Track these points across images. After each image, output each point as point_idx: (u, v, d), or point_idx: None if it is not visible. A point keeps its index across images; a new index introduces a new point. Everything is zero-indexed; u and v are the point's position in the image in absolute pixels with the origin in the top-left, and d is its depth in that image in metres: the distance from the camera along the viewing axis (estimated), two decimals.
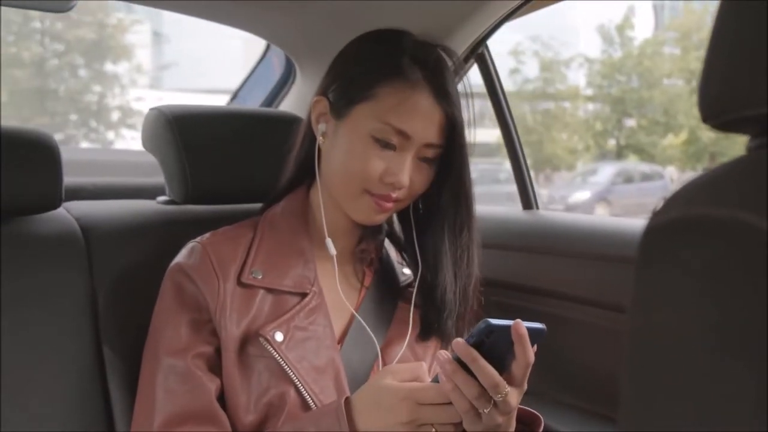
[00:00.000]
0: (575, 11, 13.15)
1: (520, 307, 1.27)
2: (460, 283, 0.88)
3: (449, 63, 0.84)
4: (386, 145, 0.81)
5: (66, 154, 0.95)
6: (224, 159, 1.03)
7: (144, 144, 1.06)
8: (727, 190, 0.34)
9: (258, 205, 0.96)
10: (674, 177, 10.07)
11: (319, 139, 0.86)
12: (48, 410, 0.88)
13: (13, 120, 9.69)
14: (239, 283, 0.82)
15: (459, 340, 0.69)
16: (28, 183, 0.91)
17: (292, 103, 1.51)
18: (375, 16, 0.88)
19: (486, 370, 0.67)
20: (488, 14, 1.22)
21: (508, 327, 0.68)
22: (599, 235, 1.18)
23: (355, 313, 0.87)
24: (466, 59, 1.34)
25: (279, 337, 0.80)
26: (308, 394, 0.79)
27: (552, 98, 11.47)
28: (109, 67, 10.84)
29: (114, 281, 0.95)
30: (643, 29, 12.22)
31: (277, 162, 0.93)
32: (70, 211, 1.01)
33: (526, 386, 0.72)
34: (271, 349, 0.79)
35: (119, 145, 10.67)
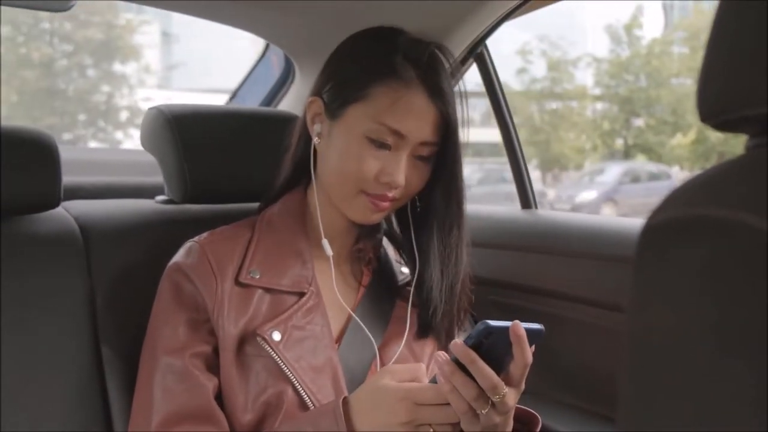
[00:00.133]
0: (584, 11, 13.12)
1: (518, 306, 1.27)
2: (447, 281, 0.87)
3: (444, 61, 0.84)
4: (381, 145, 0.80)
5: (65, 154, 0.95)
6: (223, 158, 1.03)
7: (143, 143, 1.06)
8: (726, 190, 0.34)
9: (256, 205, 0.96)
10: (680, 177, 10.03)
11: (315, 139, 0.86)
12: (46, 409, 0.88)
13: (23, 120, 9.74)
14: (237, 282, 0.82)
15: (457, 341, 0.69)
16: (27, 182, 0.91)
17: (291, 103, 1.51)
18: (374, 15, 0.88)
19: (484, 371, 0.67)
20: (487, 14, 1.22)
21: (506, 328, 0.68)
22: (598, 235, 1.18)
23: (351, 313, 0.87)
24: (466, 59, 1.34)
25: (277, 336, 0.80)
26: (306, 394, 0.79)
27: (559, 98, 11.44)
28: (117, 67, 10.89)
29: (112, 280, 0.95)
30: (652, 29, 12.17)
31: (275, 162, 0.93)
32: (68, 211, 1.01)
33: (523, 386, 0.72)
34: (269, 348, 0.79)
35: (128, 144, 10.71)
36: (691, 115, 10.15)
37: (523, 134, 12.08)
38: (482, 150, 10.61)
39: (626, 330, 0.36)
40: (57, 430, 0.88)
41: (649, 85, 10.93)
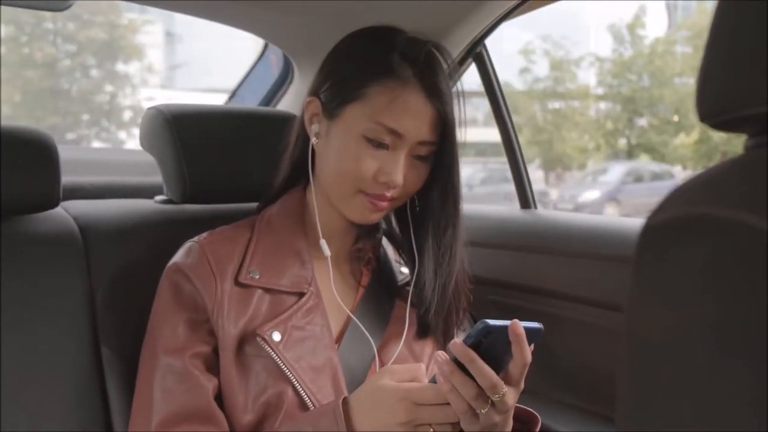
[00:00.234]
0: (586, 10, 13.11)
1: (517, 306, 1.27)
2: (440, 280, 0.87)
3: (441, 59, 0.84)
4: (379, 144, 0.80)
5: (64, 154, 0.95)
6: (222, 158, 1.03)
7: (142, 143, 1.06)
8: (725, 190, 0.34)
9: (255, 205, 0.96)
10: (683, 177, 10.00)
11: (313, 139, 0.86)
12: (46, 409, 0.88)
13: (26, 120, 9.77)
14: (237, 282, 0.82)
15: (456, 341, 0.69)
16: (27, 182, 0.91)
17: (289, 103, 1.51)
18: (373, 15, 0.88)
19: (484, 371, 0.67)
20: (486, 14, 1.22)
21: (505, 327, 0.68)
22: (597, 235, 1.18)
23: (350, 313, 0.87)
24: (465, 59, 1.34)
25: (276, 336, 0.80)
26: (306, 394, 0.79)
27: (562, 97, 11.42)
28: (120, 67, 10.90)
29: (112, 280, 0.95)
30: (656, 28, 12.16)
31: (274, 161, 0.93)
32: (68, 210, 1.01)
33: (523, 385, 0.72)
34: (269, 348, 0.79)
35: (131, 144, 10.73)
36: (695, 115, 10.12)
37: (525, 134, 12.02)
38: (485, 150, 10.61)
39: (625, 329, 0.36)
40: (57, 430, 0.88)
41: (652, 85, 10.91)
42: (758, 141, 0.37)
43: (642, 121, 11.30)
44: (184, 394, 0.79)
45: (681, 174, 10.16)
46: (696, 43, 10.35)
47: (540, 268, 1.24)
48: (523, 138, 11.91)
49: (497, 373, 0.68)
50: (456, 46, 1.29)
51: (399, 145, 0.81)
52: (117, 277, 0.96)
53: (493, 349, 0.68)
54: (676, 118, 10.68)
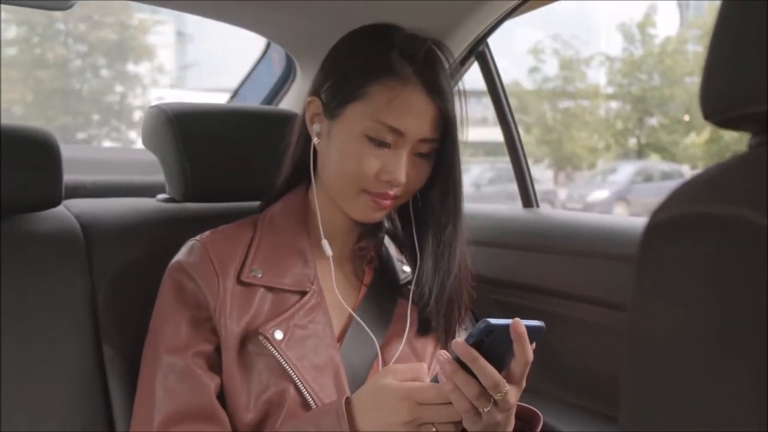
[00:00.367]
0: (597, 10, 13.06)
1: (520, 305, 1.27)
2: (439, 277, 0.87)
3: (441, 57, 0.83)
4: (381, 143, 0.80)
5: (65, 152, 0.95)
6: (224, 157, 1.03)
7: (144, 142, 1.06)
8: (728, 188, 0.34)
9: (258, 204, 0.96)
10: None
11: (315, 139, 0.86)
12: (47, 409, 0.88)
13: (38, 119, 9.84)
14: (239, 281, 0.82)
15: (458, 340, 0.69)
16: (29, 181, 0.91)
17: (292, 101, 1.51)
18: (375, 14, 0.87)
19: (486, 370, 0.68)
20: (488, 13, 1.22)
21: (506, 326, 0.68)
22: (599, 233, 1.18)
23: (352, 312, 0.87)
24: (467, 58, 1.34)
25: (279, 335, 0.80)
26: (308, 393, 0.79)
27: (572, 97, 11.37)
28: (130, 67, 10.96)
29: (114, 279, 0.95)
30: (668, 27, 12.08)
31: (277, 160, 0.93)
32: (70, 209, 1.01)
33: (525, 383, 0.72)
34: (271, 347, 0.79)
35: (141, 144, 10.75)
36: None
37: (535, 133, 11.95)
38: (494, 149, 10.57)
39: (628, 328, 0.36)
40: (58, 429, 0.88)
41: (663, 84, 10.84)
42: (761, 139, 0.37)
43: (652, 121, 11.23)
44: (186, 392, 0.79)
45: (691, 174, 10.07)
46: (707, 43, 10.24)
47: (542, 267, 1.24)
48: (532, 137, 11.85)
49: (499, 371, 0.69)
50: (458, 45, 1.29)
51: (401, 144, 0.81)
52: (119, 275, 0.96)
53: (495, 347, 0.68)
54: (686, 118, 10.60)
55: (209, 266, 0.82)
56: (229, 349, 0.81)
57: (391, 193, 0.82)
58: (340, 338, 0.86)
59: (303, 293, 0.84)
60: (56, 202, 0.95)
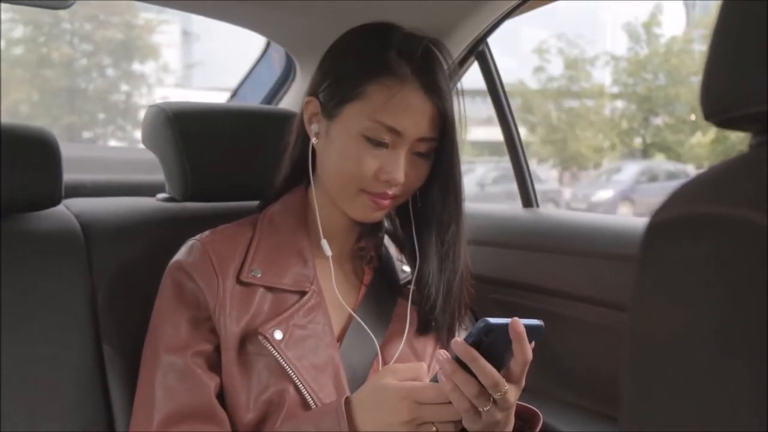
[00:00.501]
0: (603, 9, 13.02)
1: (519, 304, 1.27)
2: (445, 277, 0.87)
3: (439, 55, 0.83)
4: (378, 143, 0.80)
5: (65, 151, 0.95)
6: (224, 156, 1.03)
7: (144, 141, 1.06)
8: (728, 188, 0.34)
9: (257, 203, 0.96)
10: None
11: (313, 139, 0.86)
12: (47, 408, 0.88)
13: (44, 118, 9.88)
14: (239, 281, 0.82)
15: (458, 339, 0.69)
16: (29, 180, 0.91)
17: (292, 101, 1.50)
18: (374, 14, 0.87)
19: (486, 369, 0.68)
20: (488, 12, 1.22)
21: (506, 325, 0.68)
22: (599, 233, 1.18)
23: (352, 312, 0.87)
24: (467, 57, 1.34)
25: (278, 335, 0.80)
26: (307, 393, 0.79)
27: (576, 96, 11.35)
28: (136, 66, 10.99)
29: (113, 278, 0.95)
30: (674, 27, 12.04)
31: (276, 160, 0.93)
32: (69, 208, 1.01)
33: (524, 382, 0.72)
34: (271, 347, 0.79)
35: None
36: None
37: (540, 133, 11.89)
38: (499, 149, 10.56)
39: (628, 328, 0.36)
40: (57, 429, 0.88)
41: (668, 84, 10.80)
42: (762, 139, 0.37)
43: (658, 120, 11.20)
44: (185, 392, 0.79)
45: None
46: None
47: (542, 267, 1.24)
48: (537, 137, 11.78)
49: (498, 370, 0.69)
50: (458, 45, 1.29)
51: (399, 143, 0.81)
52: (119, 275, 0.96)
53: (494, 347, 0.69)
54: (692, 117, 10.57)
55: (209, 266, 0.82)
56: (228, 348, 0.80)
57: (390, 192, 0.82)
58: (340, 338, 0.86)
59: (302, 293, 0.84)
60: (56, 202, 0.95)
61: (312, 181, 0.88)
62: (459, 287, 0.89)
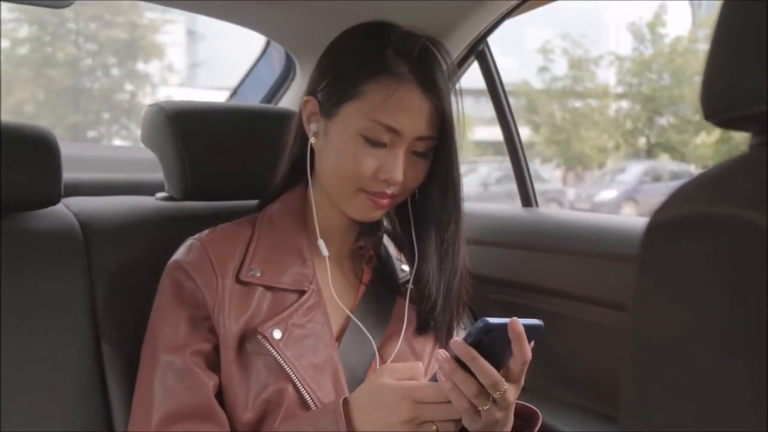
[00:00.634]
0: (607, 9, 13.00)
1: (519, 304, 1.27)
2: (444, 276, 0.87)
3: (437, 54, 0.83)
4: (377, 143, 0.80)
5: (65, 150, 0.95)
6: (223, 155, 1.03)
7: (143, 140, 1.06)
8: (729, 188, 0.34)
9: (256, 203, 0.96)
10: None
11: (312, 139, 0.86)
12: (46, 408, 0.88)
13: (49, 118, 9.91)
14: (238, 280, 0.82)
15: (457, 339, 0.69)
16: (28, 179, 0.91)
17: (291, 100, 1.50)
18: (374, 13, 0.87)
19: (485, 368, 0.68)
20: (488, 12, 1.22)
21: (505, 325, 0.68)
22: (598, 233, 1.17)
23: (349, 313, 0.87)
24: (467, 57, 1.34)
25: (277, 334, 0.80)
26: (306, 392, 0.79)
27: (581, 96, 11.33)
28: (140, 66, 11.01)
29: (113, 277, 0.95)
30: (679, 26, 12.00)
31: (276, 159, 0.93)
32: (69, 207, 1.00)
33: (523, 382, 0.72)
34: (270, 346, 0.79)
35: None
36: None
37: (544, 133, 11.83)
38: (503, 148, 10.52)
39: (628, 328, 0.36)
40: (57, 429, 0.88)
41: (673, 84, 10.77)
42: (761, 139, 0.37)
43: (662, 121, 11.17)
44: (184, 391, 0.79)
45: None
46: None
47: (541, 267, 1.24)
48: (541, 137, 11.74)
49: (498, 370, 0.69)
50: (458, 44, 1.29)
51: (397, 143, 0.80)
52: (118, 274, 0.96)
53: (493, 346, 0.69)
54: (697, 118, 10.53)
55: (208, 265, 0.82)
56: (227, 348, 0.80)
57: (389, 192, 0.82)
58: (339, 337, 0.86)
59: (301, 292, 0.84)
60: (55, 200, 0.95)
61: (310, 181, 0.88)
62: (458, 286, 0.89)
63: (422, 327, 0.89)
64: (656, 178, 10.04)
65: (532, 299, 1.25)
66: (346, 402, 0.75)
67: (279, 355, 0.79)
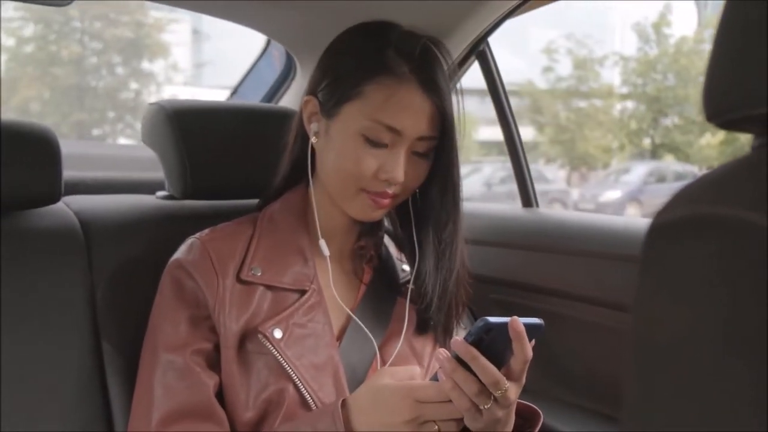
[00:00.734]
0: (612, 9, 12.97)
1: (519, 304, 1.27)
2: (441, 275, 0.87)
3: (437, 54, 0.83)
4: (378, 143, 0.80)
5: (70, 149, 0.95)
6: (224, 154, 1.03)
7: (144, 138, 1.06)
8: (731, 189, 0.35)
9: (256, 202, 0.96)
10: None
11: (312, 139, 0.86)
12: (47, 407, 0.88)
13: (54, 116, 9.94)
14: (238, 279, 0.82)
15: (458, 338, 0.69)
16: (28, 177, 0.91)
17: (292, 99, 1.50)
18: (375, 13, 0.87)
19: (486, 367, 0.68)
20: (489, 12, 1.22)
21: (505, 324, 0.68)
22: (598, 233, 1.17)
23: (350, 312, 0.87)
24: (467, 57, 1.34)
25: (278, 334, 0.80)
26: (307, 392, 0.79)
27: (585, 96, 11.31)
28: (145, 65, 11.03)
29: (113, 276, 0.95)
30: (685, 26, 11.97)
31: (276, 158, 0.93)
32: (69, 206, 1.00)
33: (524, 380, 0.72)
34: (270, 346, 0.79)
35: None
36: None
37: (548, 133, 11.80)
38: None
39: (630, 328, 0.36)
40: (57, 429, 0.88)
41: (678, 84, 10.75)
42: (763, 141, 0.37)
43: (667, 121, 11.14)
44: (184, 391, 0.79)
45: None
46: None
47: (541, 267, 1.24)
48: (545, 137, 11.70)
49: (499, 369, 0.69)
50: (459, 44, 1.29)
51: (398, 143, 0.80)
52: (118, 272, 0.95)
53: (494, 345, 0.69)
54: (701, 118, 10.50)
55: (208, 264, 0.82)
56: (228, 347, 0.80)
57: (390, 191, 0.82)
58: (340, 337, 0.86)
59: (302, 292, 0.84)
60: (56, 199, 0.95)
61: (311, 181, 0.88)
62: (455, 286, 0.89)
63: (422, 327, 0.89)
64: (661, 178, 10.02)
65: (532, 299, 1.25)
66: (344, 403, 0.75)
67: (279, 354, 0.79)
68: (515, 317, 0.68)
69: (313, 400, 0.79)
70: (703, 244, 0.33)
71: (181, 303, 0.82)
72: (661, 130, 11.19)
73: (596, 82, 11.33)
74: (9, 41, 9.90)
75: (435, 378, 0.72)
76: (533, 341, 0.71)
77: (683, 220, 0.35)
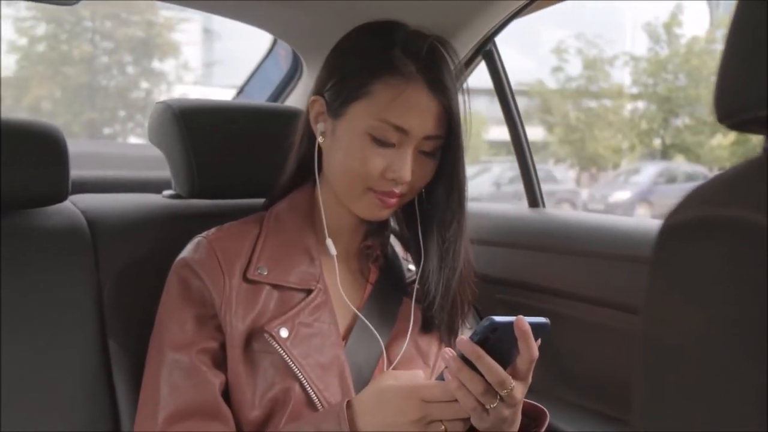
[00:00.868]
0: (622, 9, 12.93)
1: (525, 305, 1.27)
2: (444, 274, 0.87)
3: (444, 53, 0.82)
4: (385, 142, 0.80)
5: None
6: (230, 154, 1.03)
7: (150, 138, 1.06)
8: (742, 190, 0.34)
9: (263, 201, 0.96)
10: None
11: (319, 138, 0.86)
12: (52, 406, 0.88)
13: (65, 115, 10.02)
14: (245, 278, 0.82)
15: (463, 338, 0.69)
16: (35, 176, 0.91)
17: (298, 98, 1.50)
18: (381, 12, 0.86)
19: (491, 366, 0.68)
20: (496, 12, 1.22)
21: (511, 323, 0.68)
22: (605, 234, 1.17)
23: (356, 311, 0.87)
24: (474, 57, 1.34)
25: (284, 333, 0.79)
26: (313, 391, 0.79)
27: (595, 96, 11.27)
28: (156, 64, 11.10)
29: (120, 275, 0.95)
30: (697, 26, 11.92)
31: (283, 157, 0.93)
32: (76, 204, 1.01)
33: (530, 379, 0.72)
34: (276, 345, 0.79)
35: None
36: None
37: (558, 133, 11.78)
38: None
39: (639, 329, 0.36)
40: (64, 427, 0.88)
41: (689, 84, 10.69)
42: None
43: (678, 121, 11.09)
44: (190, 389, 0.79)
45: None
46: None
47: (548, 267, 1.24)
48: (555, 137, 11.67)
49: (504, 368, 0.69)
50: (466, 44, 1.29)
51: (405, 142, 0.80)
52: (125, 271, 0.96)
53: (499, 344, 0.69)
54: (713, 119, 10.44)
55: (215, 263, 0.82)
56: (234, 346, 0.80)
57: (397, 191, 0.82)
58: (345, 337, 0.86)
59: (308, 291, 0.84)
60: (63, 197, 0.95)
61: (318, 180, 0.88)
62: (458, 285, 0.88)
63: (427, 326, 0.89)
64: (671, 179, 9.98)
65: (538, 300, 1.24)
66: (349, 404, 0.75)
67: (286, 353, 0.79)
68: (521, 316, 0.68)
69: (318, 400, 0.79)
70: (714, 245, 0.33)
71: (187, 302, 0.82)
72: (672, 130, 11.13)
73: (606, 82, 11.30)
74: (21, 40, 9.99)
75: (441, 377, 0.72)
76: (539, 340, 0.70)
77: (695, 221, 0.35)
